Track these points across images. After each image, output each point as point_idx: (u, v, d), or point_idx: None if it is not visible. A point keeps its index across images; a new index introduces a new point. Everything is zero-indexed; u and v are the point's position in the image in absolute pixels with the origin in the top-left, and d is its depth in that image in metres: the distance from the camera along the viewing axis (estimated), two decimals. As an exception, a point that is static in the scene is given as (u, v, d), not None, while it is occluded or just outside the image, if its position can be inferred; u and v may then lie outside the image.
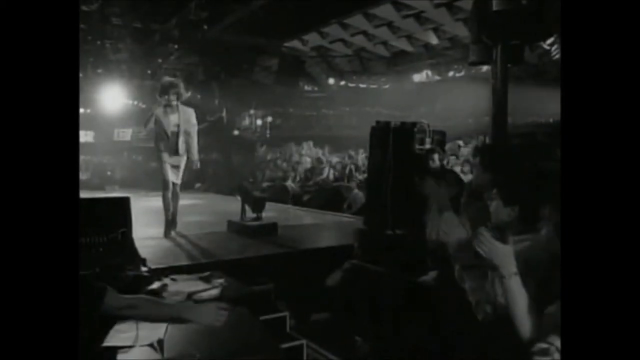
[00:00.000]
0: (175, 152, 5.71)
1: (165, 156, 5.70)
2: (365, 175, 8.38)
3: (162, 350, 1.64)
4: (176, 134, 5.67)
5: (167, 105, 5.63)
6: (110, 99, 13.59)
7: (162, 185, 5.85)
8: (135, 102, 16.43)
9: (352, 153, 12.64)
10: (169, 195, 5.80)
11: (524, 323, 1.57)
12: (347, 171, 11.48)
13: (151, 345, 1.67)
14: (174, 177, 5.80)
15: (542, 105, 9.77)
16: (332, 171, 11.81)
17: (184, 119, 5.72)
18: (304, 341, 3.34)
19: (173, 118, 5.68)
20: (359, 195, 9.22)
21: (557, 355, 1.08)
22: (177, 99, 5.67)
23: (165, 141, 5.67)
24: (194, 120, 5.87)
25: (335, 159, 12.80)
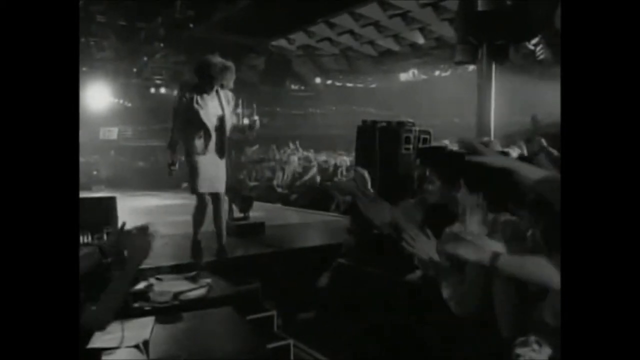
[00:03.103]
0: (220, 152, 4.28)
1: (202, 159, 4.18)
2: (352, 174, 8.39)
3: (147, 352, 1.63)
4: (221, 130, 4.23)
5: (205, 92, 4.17)
6: (95, 97, 13.46)
7: (196, 199, 4.31)
8: (121, 101, 16.31)
9: (343, 152, 12.66)
10: (205, 211, 4.33)
11: (501, 318, 1.59)
12: (331, 170, 11.50)
13: (137, 346, 1.66)
14: (215, 186, 4.30)
15: (527, 103, 9.87)
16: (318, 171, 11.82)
17: (228, 110, 4.29)
18: (291, 340, 3.34)
19: (214, 108, 4.21)
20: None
21: (535, 346, 1.09)
22: (222, 87, 4.29)
23: (203, 138, 4.17)
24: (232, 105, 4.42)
25: (322, 159, 12.81)
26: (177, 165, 4.24)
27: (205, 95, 4.17)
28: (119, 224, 1.76)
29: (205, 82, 4.17)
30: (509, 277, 1.54)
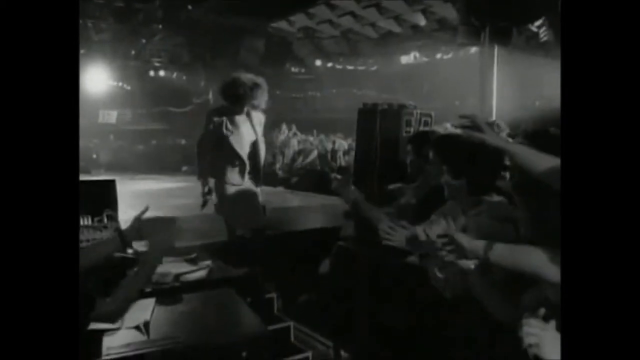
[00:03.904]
0: (256, 181, 3.74)
1: (236, 191, 3.64)
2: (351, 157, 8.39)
3: (147, 333, 1.64)
4: (254, 156, 3.70)
5: (235, 114, 3.63)
6: (94, 80, 13.36)
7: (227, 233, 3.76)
8: (120, 84, 16.20)
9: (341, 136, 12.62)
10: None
11: (492, 303, 1.60)
12: (330, 154, 11.50)
13: (137, 327, 1.67)
14: (253, 220, 3.76)
15: (530, 86, 9.81)
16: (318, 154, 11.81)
17: (261, 133, 3.77)
18: (291, 323, 3.37)
19: (247, 132, 3.68)
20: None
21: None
22: (254, 107, 3.70)
23: (238, 168, 3.63)
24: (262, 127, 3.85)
25: (320, 142, 12.76)
26: (213, 195, 3.64)
27: (235, 119, 3.62)
28: (142, 209, 1.60)
29: (234, 103, 3.62)
30: (502, 267, 1.53)
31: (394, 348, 2.27)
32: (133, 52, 13.80)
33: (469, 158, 1.88)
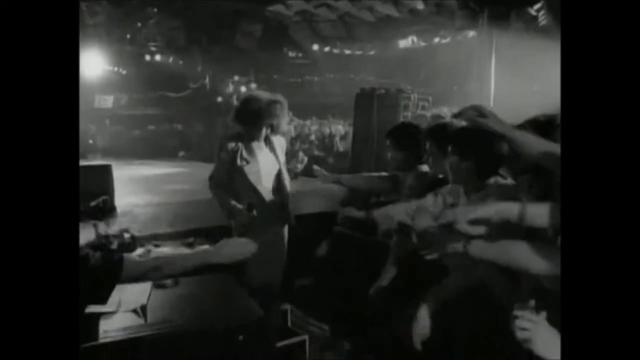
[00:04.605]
0: (283, 221, 3.13)
1: (253, 238, 2.28)
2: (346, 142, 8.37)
3: (145, 316, 1.64)
4: (279, 190, 3.03)
5: (252, 140, 2.96)
6: (89, 64, 13.24)
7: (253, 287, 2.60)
8: (116, 68, 16.07)
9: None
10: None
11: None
12: (327, 139, 11.49)
13: (134, 311, 1.67)
14: (273, 274, 3.04)
15: (528, 71, 9.76)
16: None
17: (283, 161, 3.08)
18: (288, 307, 3.38)
19: (266, 161, 2.99)
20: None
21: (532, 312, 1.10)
22: (273, 130, 3.01)
23: (251, 199, 2.89)
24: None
25: (316, 127, 12.74)
26: (254, 211, 2.84)
27: (253, 145, 2.94)
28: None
29: (251, 125, 2.91)
30: (483, 261, 1.54)
31: (392, 332, 2.28)
32: (128, 36, 13.67)
33: (476, 142, 1.89)
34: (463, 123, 1.84)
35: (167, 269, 1.60)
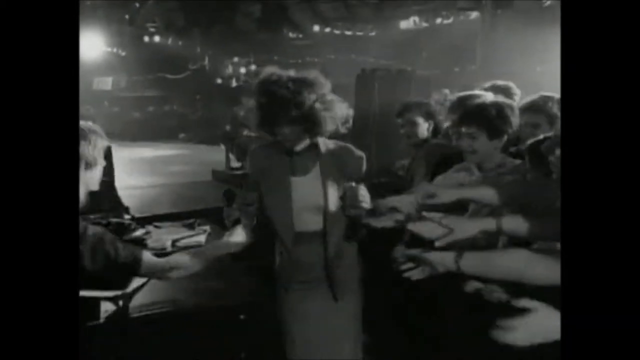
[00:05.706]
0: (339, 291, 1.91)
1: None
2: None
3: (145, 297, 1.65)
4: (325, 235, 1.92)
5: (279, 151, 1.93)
6: (88, 46, 13.10)
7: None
8: (115, 50, 15.92)
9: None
10: None
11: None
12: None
13: (135, 291, 1.67)
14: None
15: (529, 53, 9.67)
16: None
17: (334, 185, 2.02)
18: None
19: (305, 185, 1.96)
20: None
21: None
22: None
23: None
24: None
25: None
26: None
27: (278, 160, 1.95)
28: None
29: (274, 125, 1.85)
30: (476, 277, 1.49)
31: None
32: (127, 17, 13.51)
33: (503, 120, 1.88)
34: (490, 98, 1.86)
35: (189, 268, 1.53)
